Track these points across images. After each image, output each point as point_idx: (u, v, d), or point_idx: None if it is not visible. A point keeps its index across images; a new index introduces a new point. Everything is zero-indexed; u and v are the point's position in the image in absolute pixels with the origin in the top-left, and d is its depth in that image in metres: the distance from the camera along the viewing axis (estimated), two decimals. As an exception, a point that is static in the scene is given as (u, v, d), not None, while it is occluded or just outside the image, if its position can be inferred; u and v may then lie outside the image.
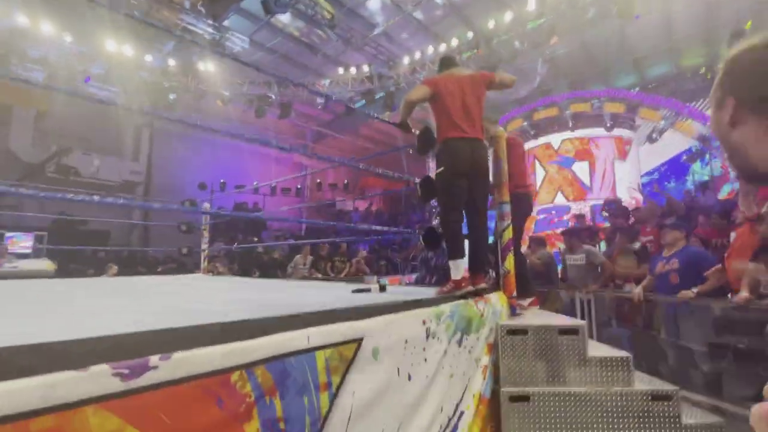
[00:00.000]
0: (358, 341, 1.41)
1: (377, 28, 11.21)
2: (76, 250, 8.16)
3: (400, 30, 11.60)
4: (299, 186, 17.63)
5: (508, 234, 2.53)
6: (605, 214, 7.73)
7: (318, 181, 18.72)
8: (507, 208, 2.62)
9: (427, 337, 1.69)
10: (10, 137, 10.92)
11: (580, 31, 9.26)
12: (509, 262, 2.53)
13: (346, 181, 19.38)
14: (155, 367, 0.93)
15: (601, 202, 10.23)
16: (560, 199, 11.89)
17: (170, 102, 11.38)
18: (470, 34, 10.15)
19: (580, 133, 11.76)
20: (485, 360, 2.05)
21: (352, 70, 11.97)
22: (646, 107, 10.93)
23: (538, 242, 4.98)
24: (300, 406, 1.21)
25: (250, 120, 13.02)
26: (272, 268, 7.93)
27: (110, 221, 11.25)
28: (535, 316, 2.52)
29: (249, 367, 1.10)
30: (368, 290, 2.64)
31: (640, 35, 10.58)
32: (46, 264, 6.34)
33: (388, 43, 11.85)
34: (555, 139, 12.17)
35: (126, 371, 0.88)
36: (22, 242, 7.66)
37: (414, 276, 10.20)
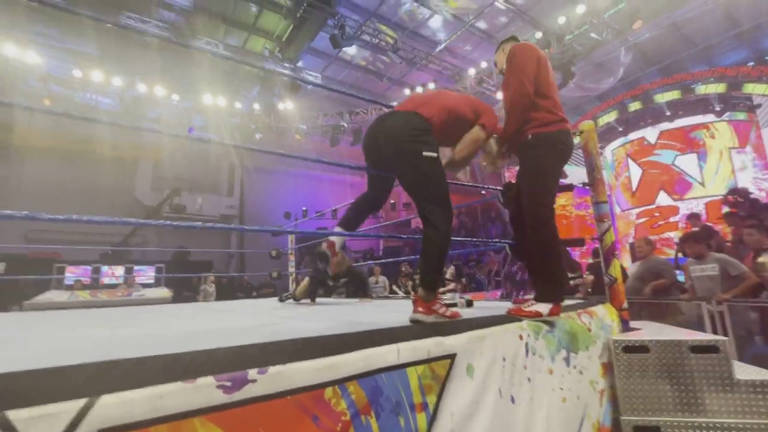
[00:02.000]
0: (451, 357, 1.31)
1: (440, 45, 11.28)
2: (187, 278, 9.26)
3: (463, 43, 11.54)
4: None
5: (611, 236, 2.23)
6: (726, 210, 6.55)
7: (392, 201, 19.01)
8: (605, 208, 2.33)
9: (527, 353, 1.52)
10: (136, 186, 12.96)
11: (669, 10, 8.29)
12: (615, 269, 2.21)
13: (419, 200, 19.36)
14: (253, 381, 0.93)
15: (718, 197, 8.76)
16: (664, 199, 10.46)
17: (257, 141, 12.59)
18: (538, 35, 9.68)
19: (682, 122, 10.34)
20: (602, 383, 1.78)
21: (418, 89, 12.12)
22: (753, 82, 9.24)
23: (652, 245, 4.32)
24: (396, 427, 1.14)
25: (326, 150, 13.81)
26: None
27: (212, 251, 12.67)
28: (655, 331, 2.16)
29: (342, 382, 1.06)
30: (454, 305, 2.50)
31: (747, 3, 9.12)
32: (164, 292, 7.25)
33: (451, 57, 11.84)
34: (650, 132, 10.85)
35: (228, 384, 0.90)
36: (147, 274, 8.90)
37: (498, 292, 9.65)
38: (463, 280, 9.45)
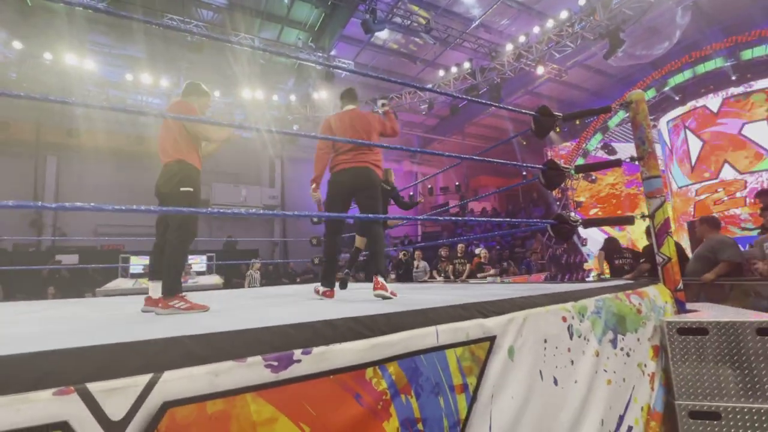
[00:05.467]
0: (491, 340, 1.31)
1: (474, 22, 10.84)
2: (235, 265, 9.79)
3: (500, 17, 11.01)
4: (411, 193, 17.99)
5: (663, 213, 2.09)
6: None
7: (429, 186, 18.83)
8: (657, 183, 2.17)
9: (571, 336, 1.48)
10: (185, 181, 13.78)
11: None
12: (668, 247, 2.07)
13: (457, 183, 19.07)
14: (298, 361, 0.99)
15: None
16: (728, 172, 9.57)
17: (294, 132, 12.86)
18: (582, 1, 9.03)
19: (750, 86, 9.33)
20: (652, 366, 1.70)
21: (453, 69, 11.77)
22: None
23: (712, 224, 3.98)
24: (436, 407, 1.16)
25: (361, 137, 13.87)
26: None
27: (258, 240, 13.30)
28: (715, 312, 2.01)
29: (382, 363, 1.10)
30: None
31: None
32: (216, 279, 7.71)
33: (487, 34, 11.35)
34: (712, 101, 9.90)
35: (275, 363, 0.96)
36: (199, 262, 9.49)
37: (543, 275, 9.37)
38: (504, 264, 9.25)
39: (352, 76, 12.58)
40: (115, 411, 0.77)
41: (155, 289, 2.05)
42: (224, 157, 13.20)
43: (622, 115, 11.74)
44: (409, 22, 10.02)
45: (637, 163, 2.27)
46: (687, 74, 10.15)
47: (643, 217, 2.30)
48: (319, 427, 0.97)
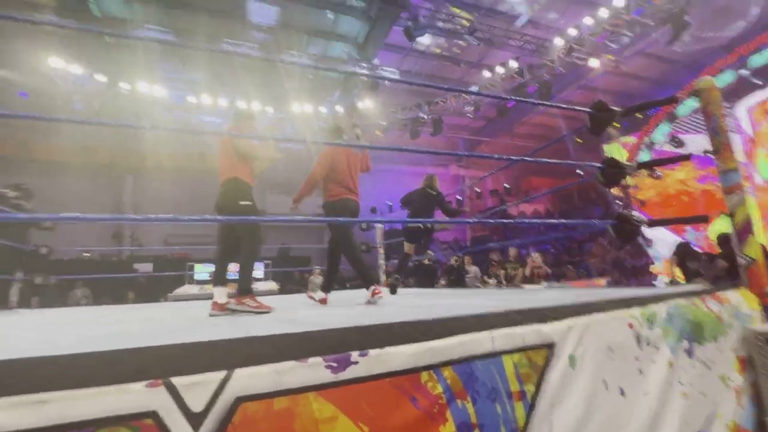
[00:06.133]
0: (549, 346, 1.26)
1: (520, 18, 10.53)
2: (289, 272, 10.22)
3: (547, 11, 10.60)
4: (459, 198, 17.70)
5: (745, 210, 1.89)
6: None
7: (478, 190, 18.41)
8: (735, 177, 1.98)
9: (638, 343, 1.38)
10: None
11: None
12: (753, 248, 1.87)
13: (506, 186, 18.47)
14: (356, 362, 1.02)
15: None
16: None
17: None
18: (640, -14, 8.45)
19: None
20: (738, 380, 1.53)
21: (498, 69, 11.49)
22: None
23: None
24: (493, 413, 1.14)
25: (406, 144, 13.93)
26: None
27: (310, 247, 13.80)
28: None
29: (437, 367, 1.10)
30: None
31: None
32: (272, 285, 8.10)
33: (534, 30, 10.97)
34: (802, 81, 8.76)
35: (334, 364, 1.00)
36: (256, 269, 10.05)
37: (605, 280, 8.78)
38: (562, 267, 8.79)
39: (394, 84, 12.71)
40: (196, 403, 0.85)
41: (219, 294, 2.23)
42: (277, 170, 13.89)
43: (690, 103, 10.71)
44: (451, 25, 9.96)
45: (712, 156, 2.08)
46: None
47: (722, 215, 2.09)
48: (377, 428, 0.99)
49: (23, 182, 4.22)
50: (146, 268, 10.42)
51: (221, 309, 2.18)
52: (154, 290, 8.68)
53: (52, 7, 8.57)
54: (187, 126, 11.93)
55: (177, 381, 0.86)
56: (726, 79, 9.48)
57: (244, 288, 2.24)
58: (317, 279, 8.16)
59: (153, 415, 0.82)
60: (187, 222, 1.36)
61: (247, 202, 2.39)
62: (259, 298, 2.29)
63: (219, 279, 2.36)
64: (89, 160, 12.53)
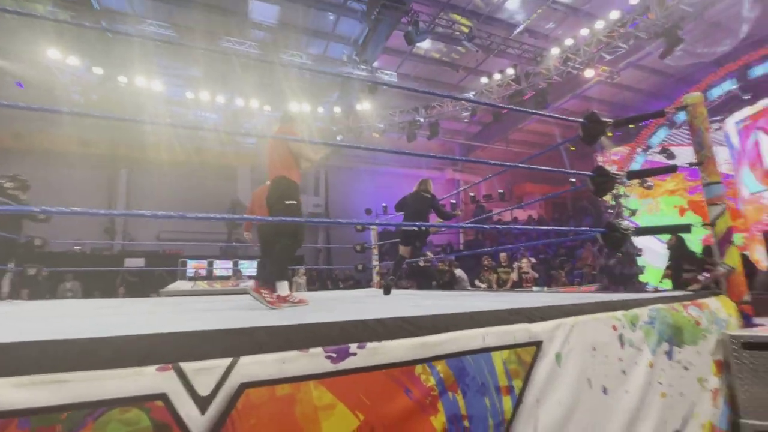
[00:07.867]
0: (537, 344, 1.33)
1: (518, 27, 10.69)
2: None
3: (545, 21, 10.77)
4: (454, 201, 17.81)
5: (725, 222, 1.98)
6: None
7: (471, 194, 18.55)
8: (718, 189, 2.07)
9: (621, 344, 1.46)
10: (238, 189, 14.61)
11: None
12: (732, 257, 1.96)
13: (501, 191, 18.63)
14: (354, 354, 1.08)
15: None
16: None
17: (338, 142, 13.30)
18: (634, 0, 8.63)
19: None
20: (714, 382, 1.61)
21: (496, 76, 11.64)
22: None
23: None
24: (482, 406, 1.21)
25: (402, 146, 14.02)
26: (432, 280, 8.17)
27: (303, 246, 13.78)
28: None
29: (430, 361, 1.16)
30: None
31: None
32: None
33: (532, 38, 11.14)
34: (788, 97, 9.00)
35: (334, 355, 1.06)
36: (249, 267, 10.04)
37: (594, 287, 8.91)
38: (553, 272, 8.91)
39: (392, 88, 12.80)
40: (203, 388, 0.90)
41: (281, 287, 2.41)
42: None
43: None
44: (451, 31, 10.08)
45: (697, 168, 2.17)
46: (758, 71, 9.30)
47: (704, 225, 2.19)
48: (372, 416, 1.05)
49: (19, 173, 4.20)
50: (138, 263, 10.37)
51: (283, 302, 2.27)
52: (145, 286, 8.64)
53: (51, -1, 8.53)
54: (184, 121, 11.90)
55: (186, 366, 0.90)
56: (716, 93, 9.71)
57: (269, 279, 2.42)
58: (301, 279, 8.17)
59: (163, 397, 0.86)
60: (180, 218, 1.41)
61: (292, 201, 2.47)
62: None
63: (280, 274, 2.46)
64: (85, 152, 12.45)
